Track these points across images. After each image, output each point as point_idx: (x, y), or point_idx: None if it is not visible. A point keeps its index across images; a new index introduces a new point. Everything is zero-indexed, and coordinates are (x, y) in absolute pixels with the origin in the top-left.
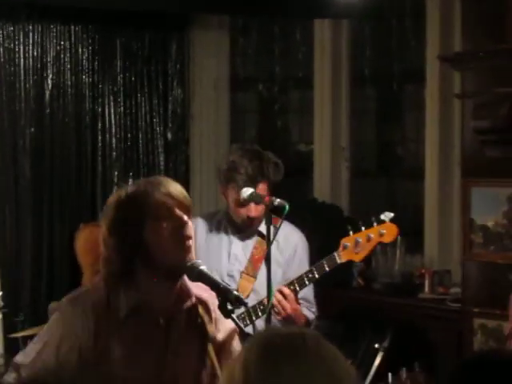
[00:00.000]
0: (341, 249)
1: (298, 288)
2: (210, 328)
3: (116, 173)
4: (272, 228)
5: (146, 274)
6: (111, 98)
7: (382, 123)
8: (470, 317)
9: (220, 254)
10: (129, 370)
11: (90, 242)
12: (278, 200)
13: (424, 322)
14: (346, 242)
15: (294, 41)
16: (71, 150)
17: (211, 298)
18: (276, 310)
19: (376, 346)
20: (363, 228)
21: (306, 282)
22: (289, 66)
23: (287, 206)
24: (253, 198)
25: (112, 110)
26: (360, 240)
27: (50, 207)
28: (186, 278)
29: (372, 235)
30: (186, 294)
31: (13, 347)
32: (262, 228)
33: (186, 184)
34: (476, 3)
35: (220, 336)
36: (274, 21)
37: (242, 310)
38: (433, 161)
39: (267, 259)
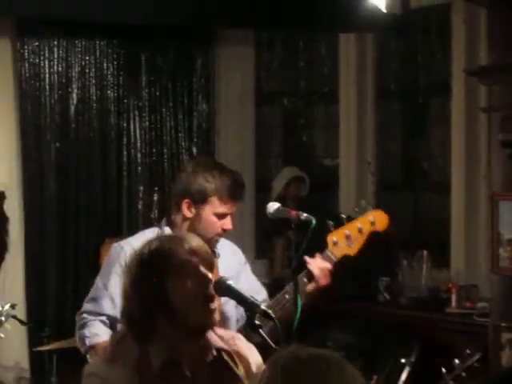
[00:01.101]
0: (331, 245)
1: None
2: (239, 371)
3: (141, 188)
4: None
5: (170, 329)
6: (136, 112)
7: (407, 137)
8: (497, 331)
9: None
10: None
11: None
12: (305, 215)
13: (451, 336)
14: (334, 237)
15: (318, 55)
16: (96, 164)
17: (230, 340)
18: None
19: (402, 360)
20: (345, 221)
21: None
22: (314, 80)
23: (314, 221)
24: (279, 213)
25: (137, 125)
26: (350, 233)
27: (75, 222)
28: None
29: (362, 225)
30: (208, 347)
31: (38, 362)
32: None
33: None
34: (502, 16)
35: (253, 368)
36: (299, 35)
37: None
38: (459, 174)
39: (293, 274)
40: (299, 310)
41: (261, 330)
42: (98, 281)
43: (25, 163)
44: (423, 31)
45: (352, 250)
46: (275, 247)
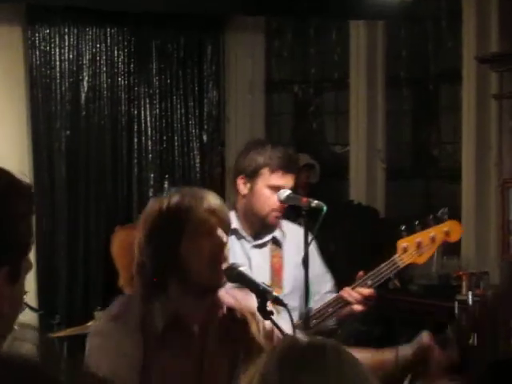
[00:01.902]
0: (400, 252)
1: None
2: (252, 328)
3: (151, 175)
4: (280, 232)
5: (178, 287)
6: (147, 100)
7: (418, 124)
8: (508, 318)
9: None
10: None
11: (126, 244)
12: (316, 201)
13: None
14: (405, 243)
15: (329, 42)
16: (107, 152)
17: (243, 300)
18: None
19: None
20: (418, 228)
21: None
22: (324, 67)
23: (325, 208)
24: (290, 199)
25: (148, 113)
26: (421, 241)
27: (85, 209)
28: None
29: (436, 234)
30: (218, 304)
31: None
32: (277, 234)
33: (221, 186)
34: None
35: (267, 326)
36: (310, 22)
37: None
38: (469, 162)
39: (305, 262)
40: (310, 297)
41: (272, 317)
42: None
43: (35, 151)
44: (434, 18)
45: (421, 258)
46: None
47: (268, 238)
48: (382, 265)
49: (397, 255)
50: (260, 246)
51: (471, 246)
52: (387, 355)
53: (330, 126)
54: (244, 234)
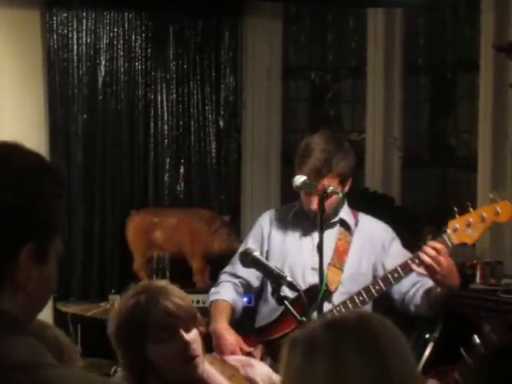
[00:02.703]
0: (450, 231)
1: (402, 274)
2: None
3: (168, 160)
4: (352, 218)
5: (157, 381)
6: (164, 85)
7: (434, 113)
8: None
9: (301, 247)
10: None
11: (141, 229)
12: (331, 188)
13: (475, 312)
14: (456, 223)
15: (347, 29)
16: (123, 136)
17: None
18: (433, 267)
19: (426, 336)
20: (471, 209)
21: (413, 266)
22: (341, 54)
23: (341, 195)
24: (304, 186)
25: (164, 97)
26: (471, 220)
27: (101, 194)
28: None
29: (486, 214)
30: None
31: (63, 330)
32: (345, 216)
33: (237, 171)
34: None
35: None
36: (328, 9)
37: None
38: (486, 151)
39: (319, 246)
40: (324, 282)
41: (286, 302)
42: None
43: (52, 134)
44: (452, 7)
45: (471, 238)
46: None
47: (335, 219)
48: (431, 242)
49: (446, 234)
50: (327, 227)
51: (486, 234)
52: None
53: (347, 113)
54: (308, 218)
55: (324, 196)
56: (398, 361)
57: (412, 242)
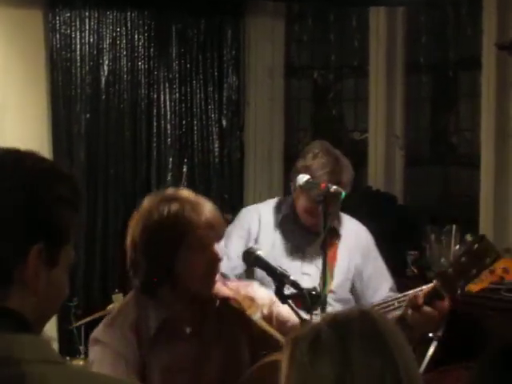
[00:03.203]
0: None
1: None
2: (252, 313)
3: (171, 159)
4: (338, 223)
5: (170, 293)
6: (166, 84)
7: (437, 111)
8: None
9: (291, 252)
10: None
11: None
12: (334, 187)
13: (478, 311)
14: None
15: (349, 28)
16: (126, 136)
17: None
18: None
19: (430, 335)
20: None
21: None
22: (344, 53)
23: (343, 193)
24: (308, 186)
25: (167, 97)
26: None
27: (104, 193)
28: None
29: (495, 269)
30: (210, 302)
31: (66, 334)
32: (335, 223)
33: (240, 170)
34: None
35: (265, 310)
36: (330, 8)
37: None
38: (488, 149)
39: (323, 249)
40: (328, 280)
41: (290, 301)
42: (223, 240)
43: (55, 134)
44: (454, 5)
45: (475, 287)
46: None
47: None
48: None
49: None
50: (316, 234)
51: (489, 233)
52: None
53: (349, 112)
54: (297, 223)
55: (328, 195)
56: (403, 354)
57: (414, 241)
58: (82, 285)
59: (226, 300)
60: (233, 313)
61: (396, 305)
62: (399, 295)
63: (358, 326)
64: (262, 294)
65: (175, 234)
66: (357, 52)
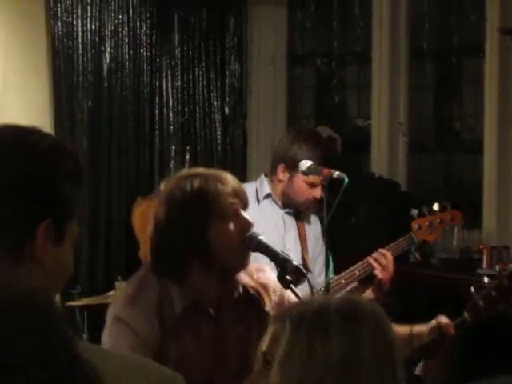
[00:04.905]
0: (415, 229)
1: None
2: (266, 305)
3: (173, 147)
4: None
5: (200, 270)
6: (169, 71)
7: (440, 98)
8: None
9: (272, 232)
10: (186, 367)
11: (147, 216)
12: (337, 173)
13: (476, 287)
14: (419, 223)
15: (352, 15)
16: (129, 123)
17: (255, 274)
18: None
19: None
20: (426, 212)
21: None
22: (347, 40)
23: (346, 179)
24: (312, 170)
25: (170, 84)
26: (433, 222)
27: (107, 181)
28: None
29: (444, 219)
30: (234, 286)
31: (69, 317)
32: None
33: (242, 158)
34: None
35: (276, 297)
36: None
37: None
38: (492, 135)
39: (324, 233)
40: (331, 266)
41: (292, 286)
42: None
43: (57, 122)
44: None
45: (431, 236)
46: None
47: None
48: (402, 239)
49: (413, 232)
50: (289, 214)
51: (493, 219)
52: (401, 330)
53: (352, 99)
54: (277, 200)
55: (331, 180)
56: (395, 338)
57: None
58: (85, 272)
59: (245, 287)
60: (249, 302)
61: (357, 274)
62: (358, 264)
63: (363, 310)
64: (274, 278)
65: (204, 206)
66: (360, 39)
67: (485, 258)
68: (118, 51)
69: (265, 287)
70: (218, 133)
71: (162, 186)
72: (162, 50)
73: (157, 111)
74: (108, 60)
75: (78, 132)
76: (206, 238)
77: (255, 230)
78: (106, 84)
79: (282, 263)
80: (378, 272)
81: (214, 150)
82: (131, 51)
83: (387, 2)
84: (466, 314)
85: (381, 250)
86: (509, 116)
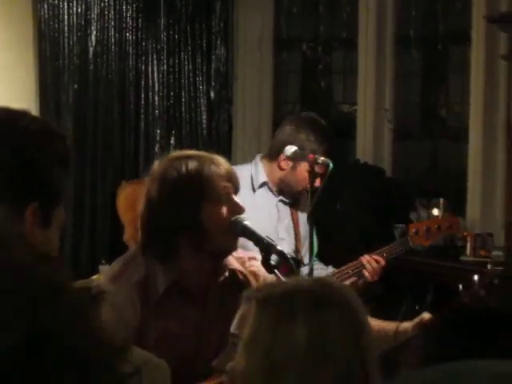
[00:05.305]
0: (412, 234)
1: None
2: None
3: (158, 131)
4: None
5: (189, 253)
6: (154, 55)
7: (426, 85)
8: None
9: (264, 219)
10: (167, 347)
11: (132, 200)
12: (322, 158)
13: (465, 284)
14: (417, 228)
15: (338, 1)
16: (114, 107)
17: (247, 261)
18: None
19: (417, 307)
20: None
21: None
22: (333, 26)
23: (331, 165)
24: (298, 155)
25: (155, 68)
26: (430, 228)
27: (92, 164)
28: None
29: (442, 225)
30: (221, 269)
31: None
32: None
33: (228, 143)
34: None
35: None
36: None
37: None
38: (477, 123)
39: (310, 219)
40: (315, 251)
41: (276, 271)
42: None
43: (42, 104)
44: None
45: (427, 242)
46: None
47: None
48: (396, 241)
49: (409, 236)
50: (284, 202)
51: (477, 207)
52: (388, 326)
53: (338, 85)
54: (273, 187)
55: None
56: (367, 319)
57: (402, 214)
58: (69, 257)
59: (233, 272)
60: (237, 286)
61: (349, 273)
62: (352, 263)
63: (333, 293)
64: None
65: (199, 188)
66: (346, 25)
67: (469, 245)
68: (103, 34)
69: (255, 275)
70: (204, 117)
71: (156, 166)
72: (147, 33)
73: (142, 95)
74: (94, 43)
75: (63, 115)
76: (198, 220)
77: (248, 217)
78: (91, 67)
79: (266, 248)
80: (367, 273)
81: (199, 135)
82: (117, 34)
83: None
84: (464, 299)
85: (375, 257)
86: (494, 103)
